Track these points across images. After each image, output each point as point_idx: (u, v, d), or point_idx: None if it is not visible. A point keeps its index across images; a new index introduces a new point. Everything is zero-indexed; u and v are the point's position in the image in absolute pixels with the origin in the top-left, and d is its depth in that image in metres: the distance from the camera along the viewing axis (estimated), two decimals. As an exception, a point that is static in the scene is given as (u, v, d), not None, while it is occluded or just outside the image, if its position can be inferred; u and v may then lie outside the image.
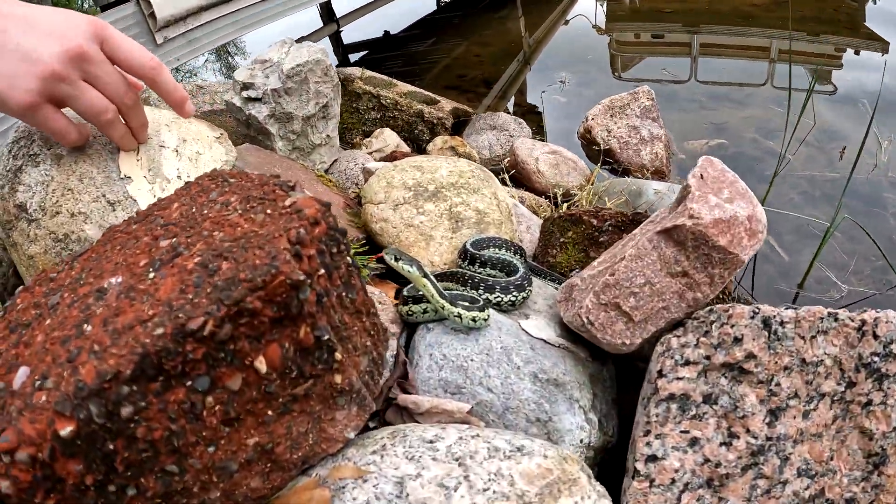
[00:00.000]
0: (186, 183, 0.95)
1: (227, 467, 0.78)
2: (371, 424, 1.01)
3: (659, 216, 1.16)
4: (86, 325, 0.77)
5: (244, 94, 1.41)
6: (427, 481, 0.83)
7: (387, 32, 3.50)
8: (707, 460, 0.94)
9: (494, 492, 0.82)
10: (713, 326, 0.96)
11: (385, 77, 1.92)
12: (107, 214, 1.04)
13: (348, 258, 0.84)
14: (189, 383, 0.72)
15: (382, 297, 1.14)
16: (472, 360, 1.02)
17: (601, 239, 1.35)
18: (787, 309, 0.98)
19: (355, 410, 0.87)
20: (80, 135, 1.05)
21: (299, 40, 1.54)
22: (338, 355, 0.81)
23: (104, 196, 1.06)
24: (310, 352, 0.78)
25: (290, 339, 0.76)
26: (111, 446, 0.68)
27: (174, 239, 0.84)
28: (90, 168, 1.07)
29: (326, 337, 0.78)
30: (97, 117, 1.00)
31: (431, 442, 0.89)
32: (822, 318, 0.98)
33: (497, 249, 1.27)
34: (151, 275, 0.80)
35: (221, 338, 0.71)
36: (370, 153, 1.69)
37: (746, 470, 0.95)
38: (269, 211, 0.81)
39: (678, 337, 0.99)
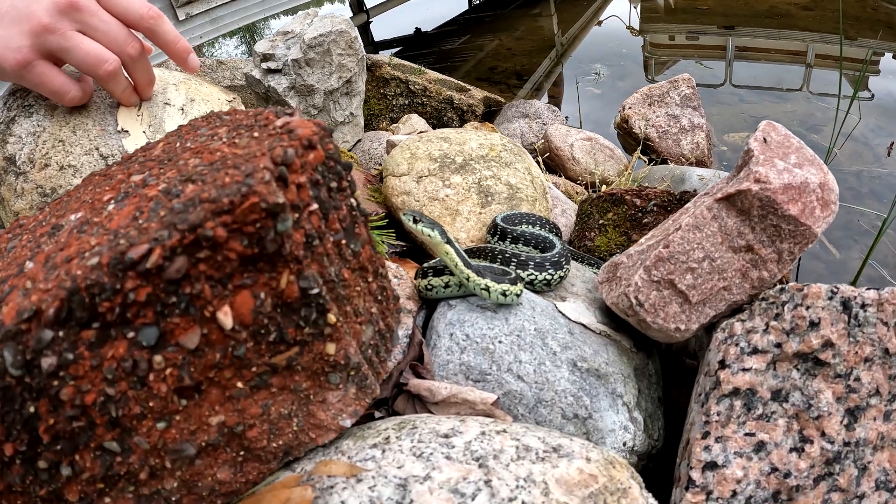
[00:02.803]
0: (179, 126, 0.76)
1: (183, 451, 0.57)
2: (377, 414, 0.79)
3: (715, 188, 0.94)
4: (28, 263, 0.58)
5: (264, 65, 1.24)
6: (438, 486, 0.61)
7: (418, 29, 3.35)
8: (775, 469, 0.75)
9: (523, 503, 0.59)
10: (785, 308, 0.78)
11: (414, 65, 1.74)
12: (98, 168, 0.86)
13: (353, 200, 0.63)
14: (131, 335, 0.51)
15: (399, 272, 0.92)
16: (500, 341, 0.80)
17: (644, 220, 1.12)
18: (868, 290, 0.78)
19: (353, 392, 0.65)
20: (83, 92, 0.90)
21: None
22: (331, 317, 0.59)
23: (97, 149, 0.88)
24: (294, 308, 0.57)
25: (266, 287, 0.55)
26: (32, 408, 0.50)
27: (147, 173, 0.64)
28: (85, 120, 0.90)
29: (315, 290, 0.57)
30: (95, 69, 0.85)
31: (447, 437, 0.67)
32: (906, 302, 0.76)
33: (531, 226, 1.05)
34: (111, 207, 0.61)
35: (172, 275, 0.50)
36: (397, 140, 1.50)
37: (819, 481, 0.75)
38: (255, 134, 0.61)
39: (743, 321, 0.81)
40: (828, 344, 0.75)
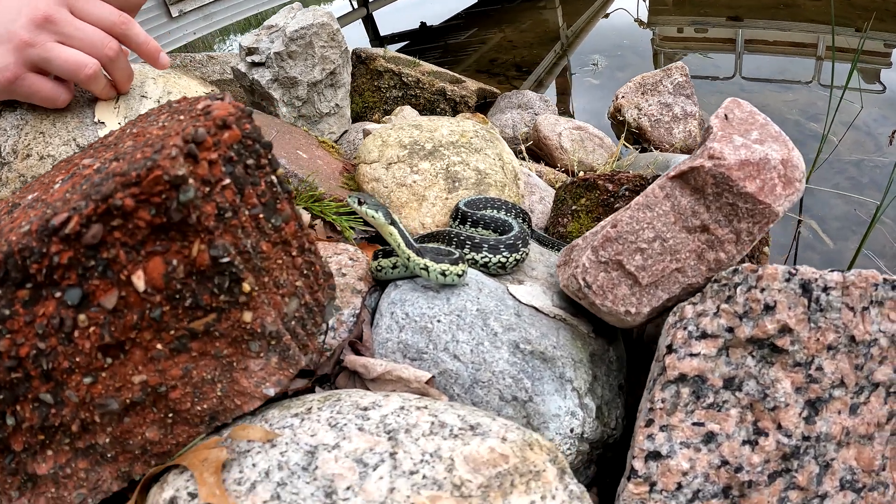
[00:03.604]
0: (139, 115, 0.85)
1: (108, 405, 0.64)
2: (318, 390, 0.84)
3: (676, 168, 0.94)
4: (-19, 240, 0.66)
5: (248, 58, 1.32)
6: (344, 454, 0.66)
7: (423, 24, 3.40)
8: (725, 462, 0.73)
9: (425, 476, 0.64)
10: (738, 290, 0.75)
11: (409, 57, 1.80)
12: (71, 156, 0.97)
13: (273, 177, 0.70)
14: (59, 295, 0.59)
15: (356, 254, 0.98)
16: (438, 321, 0.84)
17: (617, 205, 1.14)
18: (832, 272, 0.75)
19: (275, 362, 0.71)
20: (70, 93, 1.00)
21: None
22: (245, 286, 0.66)
23: (75, 140, 0.98)
24: (207, 276, 0.64)
25: (179, 255, 0.61)
26: None
27: (95, 157, 0.73)
28: (64, 113, 1.00)
29: (227, 259, 0.63)
30: (76, 74, 0.94)
31: (365, 409, 0.72)
32: (875, 285, 0.75)
33: (495, 210, 1.08)
34: (57, 185, 0.69)
35: (89, 241, 0.57)
36: (389, 131, 1.56)
37: (775, 477, 0.73)
38: (181, 117, 0.68)
39: (694, 304, 0.78)
40: (785, 329, 0.72)
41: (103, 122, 1.01)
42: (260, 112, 1.33)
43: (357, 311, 0.89)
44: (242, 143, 0.65)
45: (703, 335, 0.76)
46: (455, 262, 0.86)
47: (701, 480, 0.73)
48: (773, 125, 0.87)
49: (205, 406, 0.69)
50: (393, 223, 0.86)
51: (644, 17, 3.20)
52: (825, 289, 0.73)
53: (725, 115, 0.88)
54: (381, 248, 0.96)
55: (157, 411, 0.67)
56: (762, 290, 0.74)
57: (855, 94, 1.70)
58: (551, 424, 0.85)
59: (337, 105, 1.43)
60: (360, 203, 0.86)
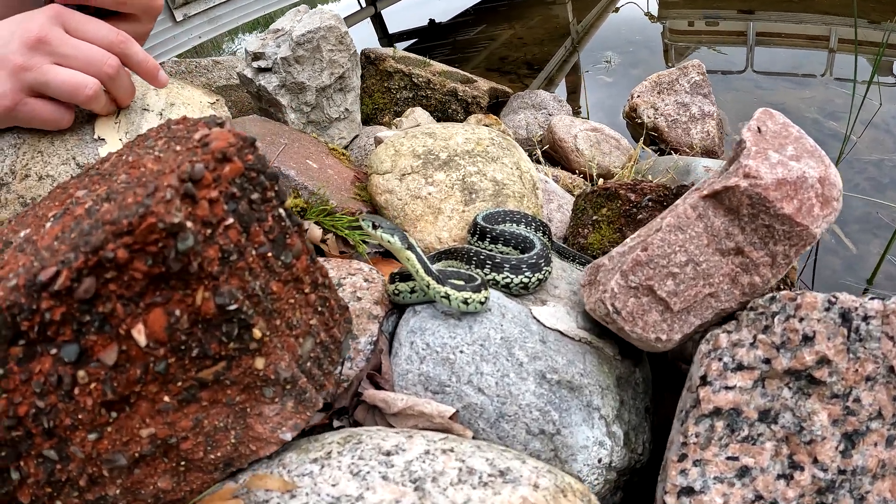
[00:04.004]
0: (138, 135, 0.77)
1: (115, 461, 0.59)
2: (336, 423, 0.78)
3: (706, 183, 0.86)
4: (-29, 284, 0.59)
5: (255, 64, 1.24)
6: (368, 508, 0.58)
7: (432, 21, 3.28)
8: (759, 497, 0.68)
9: (454, 533, 0.57)
10: (775, 320, 0.70)
11: (419, 57, 1.71)
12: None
13: (281, 210, 0.62)
14: (54, 351, 0.53)
15: (372, 274, 0.91)
16: (461, 351, 0.77)
17: (639, 216, 1.06)
18: (872, 299, 0.70)
19: (291, 406, 0.65)
20: (71, 113, 0.92)
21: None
22: (256, 332, 0.59)
23: (74, 159, 0.91)
24: (214, 324, 0.57)
25: (181, 304, 0.54)
26: None
27: (88, 189, 0.66)
28: (63, 130, 0.92)
29: (234, 307, 0.56)
30: (76, 95, 0.87)
31: (388, 454, 0.65)
32: (917, 315, 0.68)
33: (514, 224, 1.00)
34: (48, 224, 0.62)
35: (82, 295, 0.51)
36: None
37: None
38: (178, 147, 0.60)
39: (729, 333, 0.73)
40: (823, 360, 0.68)
41: (104, 139, 0.93)
42: (268, 119, 1.25)
43: (374, 338, 0.82)
44: (245, 176, 0.58)
45: (740, 367, 0.71)
46: (477, 289, 0.78)
47: (735, 516, 0.67)
48: (808, 139, 0.80)
49: (218, 454, 0.63)
50: (410, 248, 0.79)
51: (654, 10, 3.06)
52: (865, 318, 0.69)
53: (759, 129, 0.81)
54: (397, 269, 0.88)
55: (168, 461, 0.61)
56: (801, 319, 0.69)
57: (872, 89, 1.59)
58: (579, 456, 0.79)
59: (347, 109, 1.35)
60: (374, 227, 0.79)
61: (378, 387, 0.77)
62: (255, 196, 0.58)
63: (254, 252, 0.58)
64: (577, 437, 0.79)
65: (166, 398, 0.58)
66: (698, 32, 2.82)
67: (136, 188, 0.52)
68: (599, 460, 0.80)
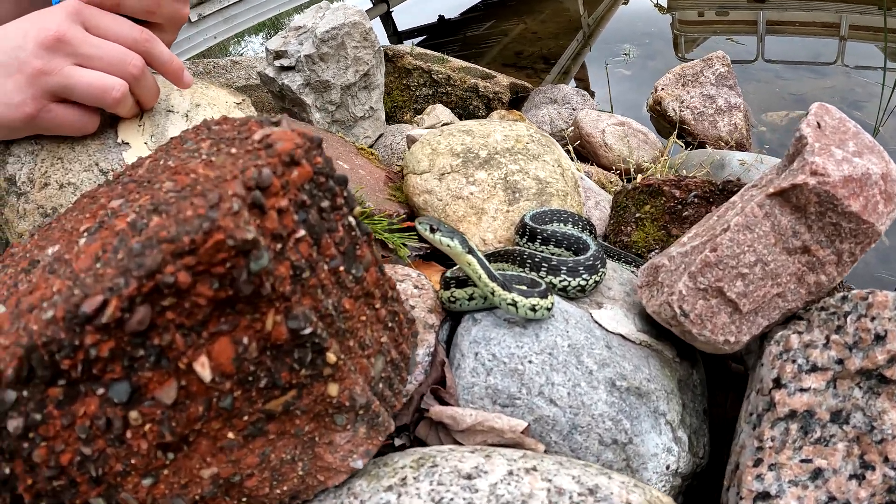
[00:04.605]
0: (171, 138, 0.67)
1: (173, 507, 0.48)
2: (397, 441, 0.69)
3: (764, 179, 0.81)
4: (0, 307, 0.49)
5: (277, 62, 1.14)
6: (460, 543, 0.50)
7: (441, 17, 3.16)
8: (833, 499, 0.65)
9: (559, 563, 0.48)
10: (848, 319, 0.67)
11: (437, 53, 1.61)
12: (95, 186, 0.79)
13: (351, 218, 0.52)
14: (101, 391, 0.43)
15: (421, 280, 0.82)
16: (530, 361, 0.69)
17: (685, 213, 0.98)
18: None
19: (364, 432, 0.56)
20: (97, 118, 0.82)
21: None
22: (330, 356, 0.49)
23: (97, 165, 0.80)
24: (285, 351, 0.47)
25: (249, 331, 0.45)
26: (7, 469, 0.44)
27: (125, 198, 0.55)
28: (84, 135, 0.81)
29: (308, 330, 0.46)
30: (103, 98, 0.76)
31: (469, 478, 0.56)
32: None
33: (562, 224, 0.92)
34: (82, 241, 0.51)
35: (134, 328, 0.41)
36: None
37: None
38: (233, 150, 0.50)
39: (800, 333, 0.70)
40: (894, 359, 0.63)
41: (128, 143, 0.83)
42: (293, 119, 1.15)
43: (432, 350, 0.73)
44: (314, 181, 0.49)
45: (814, 368, 0.68)
46: (544, 295, 0.70)
47: (808, 519, 0.64)
48: (866, 134, 0.76)
49: (284, 488, 0.54)
50: (471, 252, 0.70)
51: (664, 1, 2.96)
52: (938, 314, 0.66)
53: (818, 124, 0.75)
54: (446, 274, 0.79)
55: (229, 500, 0.52)
56: (872, 318, 0.66)
57: (891, 75, 1.52)
58: (649, 464, 0.72)
59: (371, 108, 1.25)
60: (432, 230, 0.69)
61: (443, 402, 0.68)
62: (325, 204, 0.49)
63: (325, 267, 0.49)
64: (648, 444, 0.71)
65: (230, 434, 0.49)
66: (708, 23, 2.73)
67: (194, 198, 0.42)
68: (667, 467, 0.73)
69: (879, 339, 0.64)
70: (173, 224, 0.40)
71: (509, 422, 0.66)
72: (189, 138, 0.62)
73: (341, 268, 0.50)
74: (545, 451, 0.67)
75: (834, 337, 0.67)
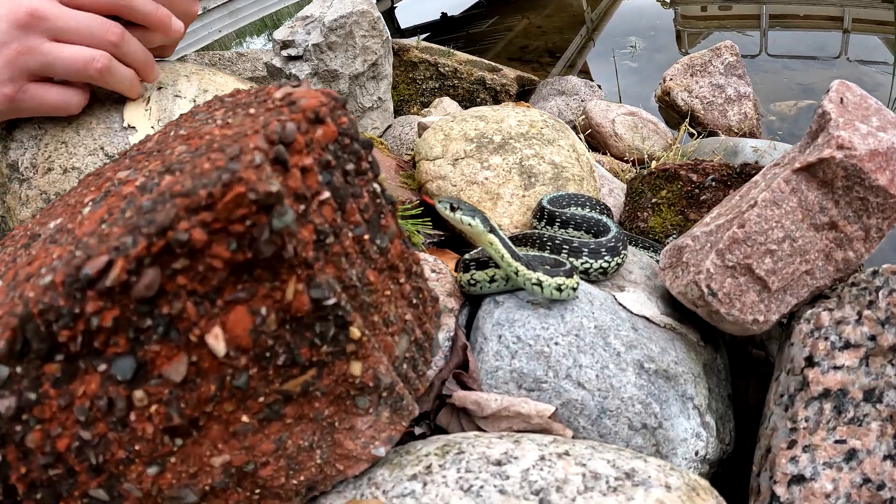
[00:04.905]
0: (180, 114, 0.62)
1: (182, 498, 0.44)
2: (417, 430, 0.64)
3: (786, 157, 0.78)
4: (-3, 282, 0.44)
5: (284, 52, 1.09)
6: (494, 530, 0.45)
7: (444, 14, 3.13)
8: (868, 480, 0.61)
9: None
10: (880, 294, 0.64)
11: (442, 47, 1.57)
12: (102, 168, 0.74)
13: (376, 185, 0.48)
14: (103, 368, 0.38)
15: (438, 265, 0.77)
16: (556, 343, 0.64)
17: (702, 197, 0.94)
18: None
19: (387, 416, 0.51)
20: (84, 93, 0.77)
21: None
22: (354, 331, 0.45)
23: (102, 149, 0.76)
24: (306, 324, 0.43)
25: (268, 301, 0.40)
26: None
27: (133, 168, 0.50)
28: (88, 118, 0.78)
29: (332, 301, 0.42)
30: (86, 71, 0.72)
31: (499, 464, 0.52)
32: None
33: (580, 208, 0.87)
34: (86, 210, 0.47)
35: (142, 293, 0.36)
36: (429, 125, 1.34)
37: None
38: (251, 111, 0.45)
39: (831, 310, 0.67)
40: None
41: (134, 127, 0.78)
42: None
43: (452, 334, 0.68)
44: (339, 142, 0.44)
45: (847, 345, 0.64)
46: (570, 274, 0.65)
47: (843, 502, 0.61)
48: (888, 110, 0.74)
49: (301, 478, 0.49)
50: (493, 231, 0.66)
51: None
52: (968, 287, 0.62)
53: (840, 99, 0.72)
54: (464, 257, 0.74)
55: (242, 490, 0.47)
56: None
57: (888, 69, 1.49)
58: (679, 450, 0.68)
59: (380, 98, 1.21)
60: (452, 209, 0.65)
61: (466, 387, 0.63)
62: (349, 167, 0.44)
63: (350, 234, 0.45)
64: (678, 429, 0.67)
65: (245, 418, 0.44)
66: (711, 17, 2.70)
67: (211, 153, 0.38)
68: (696, 453, 0.69)
69: None
70: (188, 179, 0.36)
71: (536, 406, 0.61)
72: (200, 111, 0.58)
73: (366, 236, 0.46)
74: (573, 437, 0.62)
75: (866, 312, 0.64)
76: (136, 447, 0.41)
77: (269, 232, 0.36)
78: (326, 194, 0.41)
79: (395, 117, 1.31)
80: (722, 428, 0.75)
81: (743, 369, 0.91)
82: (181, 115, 0.60)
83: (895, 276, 0.64)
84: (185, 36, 0.95)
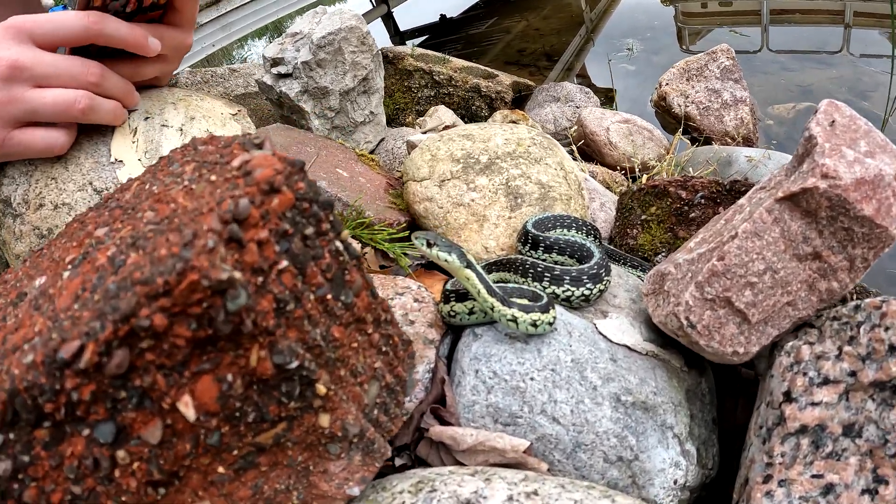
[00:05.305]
0: (160, 158, 0.65)
1: (166, 543, 0.46)
2: (398, 461, 0.67)
3: (772, 181, 0.78)
4: (-15, 346, 0.48)
5: (274, 70, 1.11)
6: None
7: (443, 16, 3.11)
8: None
9: None
10: (861, 330, 0.64)
11: (438, 54, 1.57)
12: (90, 206, 0.78)
13: (338, 243, 0.50)
14: (87, 432, 0.42)
15: (421, 293, 0.79)
16: (532, 378, 0.66)
17: (691, 214, 0.94)
18: None
19: (359, 459, 0.54)
20: (69, 133, 0.81)
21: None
22: (320, 387, 0.48)
23: (91, 184, 0.79)
24: (272, 385, 0.45)
25: (234, 368, 0.43)
26: None
27: (109, 227, 0.54)
28: (77, 153, 0.81)
29: (296, 364, 0.44)
30: (69, 113, 0.76)
31: (469, 503, 0.54)
32: None
33: (566, 230, 0.89)
34: (66, 274, 0.50)
35: (114, 371, 0.39)
36: (424, 133, 1.35)
37: None
38: (213, 178, 0.48)
39: (811, 344, 0.68)
40: None
41: (121, 161, 0.82)
42: (291, 127, 1.13)
43: (432, 366, 0.71)
44: (297, 207, 0.46)
45: (825, 381, 0.65)
46: (545, 309, 0.67)
47: (819, 538, 0.62)
48: (878, 132, 0.72)
49: (279, 517, 0.52)
50: (469, 266, 0.68)
51: None
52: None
53: (828, 123, 0.71)
54: (446, 287, 0.76)
55: (221, 533, 0.50)
56: (886, 328, 0.62)
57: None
58: (656, 480, 0.70)
59: (371, 112, 1.22)
60: (429, 245, 0.67)
61: (443, 421, 0.66)
62: (309, 231, 0.47)
63: (312, 296, 0.47)
64: (654, 460, 0.69)
65: (221, 469, 0.47)
66: (712, 14, 2.65)
67: (169, 233, 0.41)
68: (675, 482, 0.71)
69: (894, 349, 0.61)
70: (147, 264, 0.39)
71: (511, 441, 0.63)
72: (175, 159, 0.60)
73: (329, 296, 0.48)
74: (549, 470, 0.65)
75: (847, 348, 0.64)
76: (123, 498, 0.45)
77: (225, 313, 0.39)
78: (285, 263, 0.44)
79: (390, 127, 1.33)
80: (704, 453, 0.77)
81: (732, 388, 0.93)
82: (161, 159, 0.63)
83: (878, 310, 0.64)
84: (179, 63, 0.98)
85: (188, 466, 0.46)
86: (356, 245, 0.91)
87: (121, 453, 0.43)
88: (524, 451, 0.64)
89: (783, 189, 0.69)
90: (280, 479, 0.51)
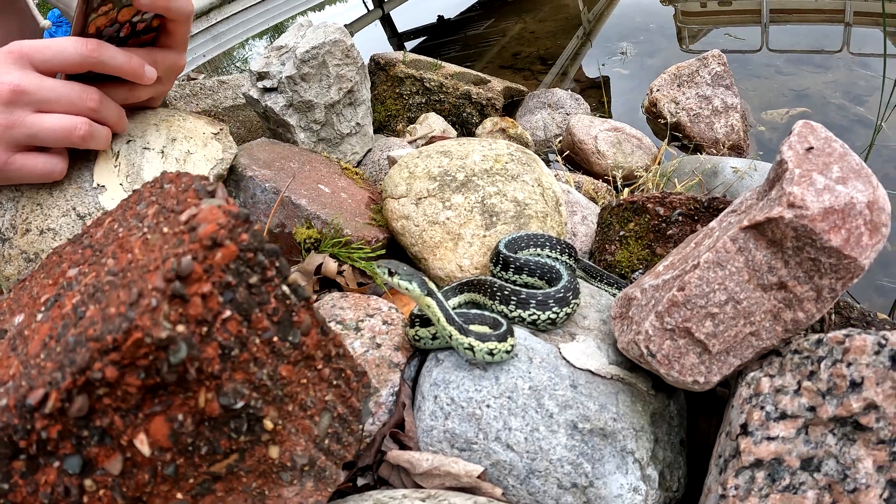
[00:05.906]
0: (130, 193, 0.70)
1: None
2: (361, 481, 0.72)
3: (744, 204, 0.79)
4: (-34, 381, 0.55)
5: (259, 84, 1.16)
6: None
7: (441, 17, 3.12)
8: None
9: None
10: (822, 365, 0.65)
11: (430, 59, 1.60)
12: (77, 229, 0.84)
13: (284, 288, 0.55)
14: (57, 464, 0.48)
15: (391, 315, 0.84)
16: (488, 405, 0.71)
17: (669, 231, 0.97)
18: None
19: (311, 485, 0.59)
20: (65, 160, 0.86)
21: (348, 27, 1.27)
22: (268, 423, 0.53)
23: (74, 209, 0.85)
24: (221, 422, 0.51)
25: (183, 409, 0.49)
26: None
27: (79, 269, 0.60)
28: (60, 180, 0.86)
29: (241, 404, 0.50)
30: (69, 139, 0.81)
31: (419, 531, 0.59)
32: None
33: (539, 249, 0.92)
34: (39, 316, 0.57)
35: (76, 414, 0.45)
36: (414, 140, 1.39)
37: None
38: (165, 229, 0.53)
39: (771, 377, 0.68)
40: (871, 406, 0.61)
41: (104, 186, 0.87)
42: (277, 141, 1.18)
43: (396, 389, 0.76)
44: (241, 258, 0.51)
45: (783, 416, 0.66)
46: (503, 337, 0.71)
47: (772, 574, 0.62)
48: (853, 156, 0.71)
49: (236, 539, 0.58)
50: (430, 294, 0.72)
51: None
52: (918, 360, 0.62)
53: (805, 147, 0.71)
54: (414, 310, 0.81)
55: (183, 553, 0.56)
56: (848, 364, 0.64)
57: (892, 65, 1.43)
58: (612, 506, 0.73)
59: (358, 124, 1.27)
60: (391, 274, 0.72)
61: (402, 445, 0.71)
62: (253, 280, 0.52)
63: (258, 340, 0.52)
64: (611, 486, 0.72)
65: (179, 495, 0.53)
66: (711, 13, 2.62)
67: (121, 289, 0.46)
68: (634, 507, 0.74)
69: (855, 385, 0.62)
70: (100, 321, 0.44)
71: (465, 466, 0.68)
72: (144, 197, 0.65)
73: (275, 338, 0.53)
74: (503, 496, 0.69)
75: (806, 383, 0.65)
76: (93, 521, 0.51)
77: (168, 364, 0.44)
78: (228, 312, 0.49)
79: (382, 134, 1.37)
80: (669, 476, 0.80)
81: (706, 408, 0.95)
82: (131, 195, 0.68)
83: (840, 345, 0.64)
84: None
85: (150, 493, 0.52)
86: (306, 286, 0.95)
87: (88, 482, 0.49)
88: (478, 477, 0.69)
89: (749, 217, 0.69)
90: (237, 502, 0.57)
